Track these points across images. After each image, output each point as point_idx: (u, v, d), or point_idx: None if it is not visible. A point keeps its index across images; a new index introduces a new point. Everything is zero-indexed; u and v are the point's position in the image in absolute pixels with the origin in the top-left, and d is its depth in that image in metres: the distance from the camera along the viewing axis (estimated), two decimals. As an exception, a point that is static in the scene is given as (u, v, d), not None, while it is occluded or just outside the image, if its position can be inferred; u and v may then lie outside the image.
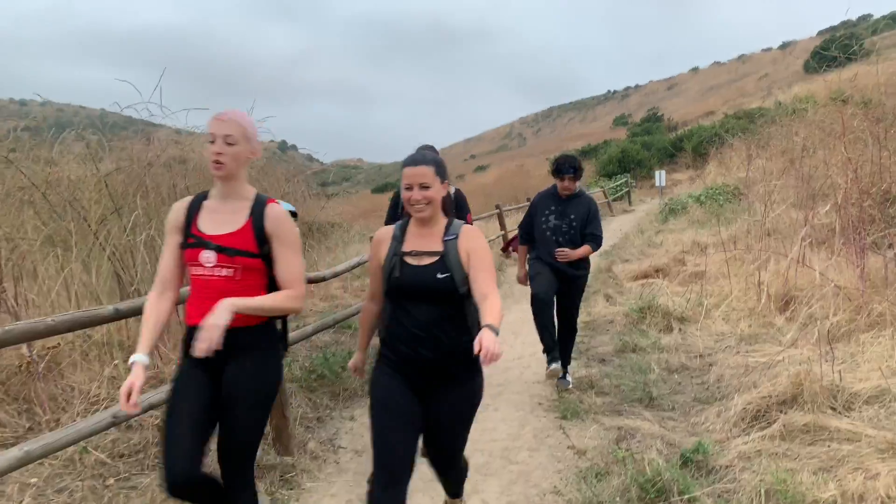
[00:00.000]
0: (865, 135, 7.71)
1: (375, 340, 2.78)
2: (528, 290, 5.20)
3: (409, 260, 2.56)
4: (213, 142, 2.43)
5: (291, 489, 3.72)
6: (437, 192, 2.56)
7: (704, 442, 3.78)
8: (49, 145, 6.34)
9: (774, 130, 14.89)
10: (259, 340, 2.51)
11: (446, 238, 2.57)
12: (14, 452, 2.60)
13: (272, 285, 2.51)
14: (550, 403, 5.02)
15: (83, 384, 4.34)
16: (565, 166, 5.03)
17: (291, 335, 4.89)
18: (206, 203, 2.54)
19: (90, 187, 5.89)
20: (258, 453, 3.86)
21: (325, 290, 8.96)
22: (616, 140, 50.37)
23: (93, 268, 5.37)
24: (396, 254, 2.58)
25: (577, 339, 5.63)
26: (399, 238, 2.64)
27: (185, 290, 2.64)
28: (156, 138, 7.31)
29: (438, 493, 3.33)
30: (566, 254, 4.93)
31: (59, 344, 4.53)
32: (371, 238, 2.96)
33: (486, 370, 2.64)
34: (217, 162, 2.43)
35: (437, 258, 2.53)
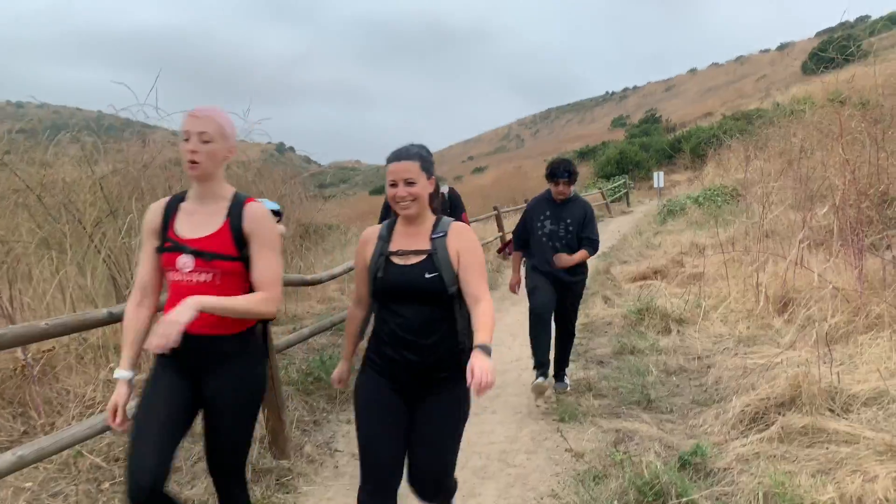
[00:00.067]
0: (863, 136, 7.70)
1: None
2: (526, 290, 5.15)
3: (396, 259, 2.46)
4: (187, 140, 2.31)
5: (288, 493, 3.70)
6: (424, 187, 2.45)
7: (702, 444, 3.76)
8: (44, 147, 6.33)
9: (772, 132, 14.89)
10: (241, 348, 2.41)
11: (434, 236, 2.47)
12: (7, 457, 2.58)
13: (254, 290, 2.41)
14: (548, 406, 5.00)
15: (78, 388, 4.32)
16: (559, 170, 4.94)
17: (288, 338, 4.89)
18: (182, 205, 2.43)
19: (85, 190, 5.87)
20: (253, 456, 3.85)
21: (322, 293, 8.95)
22: (614, 141, 50.42)
23: (88, 270, 5.35)
24: (382, 254, 2.48)
25: (576, 340, 5.61)
26: (386, 238, 2.54)
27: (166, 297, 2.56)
28: (151, 140, 7.30)
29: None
30: (563, 259, 4.87)
31: (53, 347, 4.51)
32: None
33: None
34: (192, 161, 2.31)
35: (424, 257, 2.43)
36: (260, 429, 4.19)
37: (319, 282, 5.47)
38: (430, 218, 2.53)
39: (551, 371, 5.10)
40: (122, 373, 2.35)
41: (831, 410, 4.04)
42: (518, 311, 7.46)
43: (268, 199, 2.58)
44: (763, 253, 7.48)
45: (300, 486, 3.80)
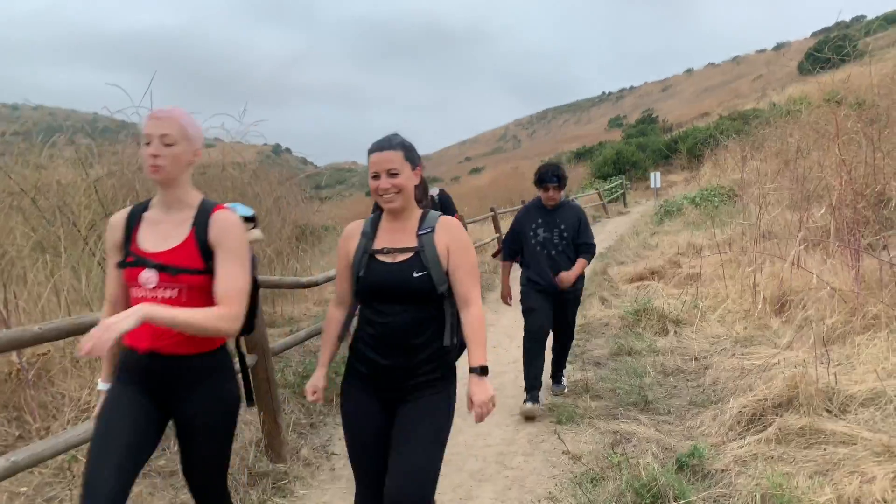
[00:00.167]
0: (859, 136, 7.72)
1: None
2: (522, 308, 5.05)
3: (381, 258, 2.32)
4: (148, 143, 2.14)
5: (284, 497, 3.69)
6: (408, 179, 2.31)
7: (700, 446, 3.75)
8: (39, 150, 6.31)
9: (769, 132, 14.91)
10: (212, 367, 2.26)
11: (421, 232, 2.33)
12: (0, 462, 2.55)
13: None
14: (545, 408, 4.99)
15: (73, 391, 4.29)
16: (548, 175, 4.81)
17: (284, 340, 4.87)
18: (146, 215, 2.25)
19: (80, 192, 5.85)
20: (249, 460, 3.83)
21: (318, 295, 8.92)
22: (611, 142, 50.48)
23: (83, 273, 5.33)
24: (366, 251, 2.35)
25: (573, 342, 5.58)
26: (369, 234, 2.39)
27: None
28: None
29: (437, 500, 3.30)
30: (566, 278, 4.77)
31: (48, 351, 4.49)
32: None
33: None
34: (154, 166, 2.14)
35: (411, 255, 2.29)
36: (256, 432, 4.18)
37: (316, 284, 5.45)
38: (417, 212, 2.40)
39: (549, 376, 5.06)
40: (103, 385, 2.32)
41: (829, 411, 4.04)
42: (515, 313, 7.43)
43: (240, 205, 2.42)
44: (760, 254, 7.48)
45: (297, 490, 3.78)
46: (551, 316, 4.93)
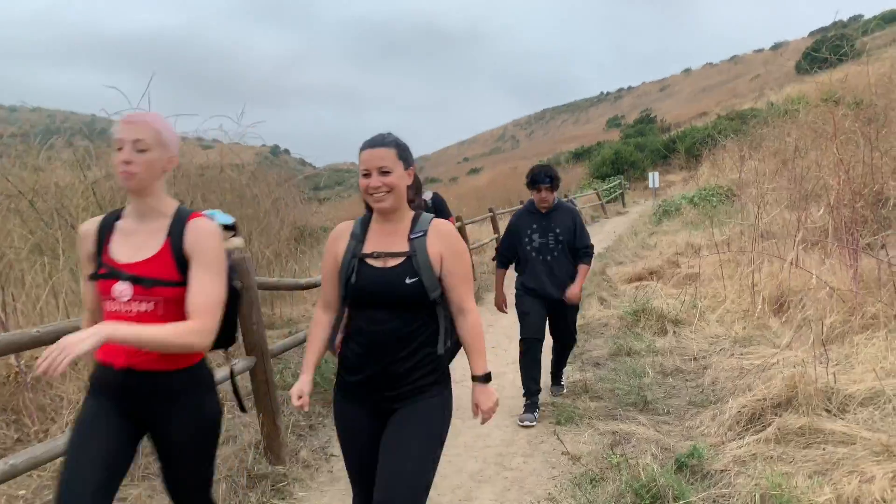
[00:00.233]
0: (857, 135, 7.73)
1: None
2: (517, 314, 5.01)
3: (371, 262, 2.22)
4: (120, 149, 2.04)
5: (283, 499, 3.68)
6: (400, 178, 2.20)
7: (699, 446, 3.75)
8: (37, 152, 6.31)
9: (767, 131, 14.93)
10: (191, 383, 2.16)
11: (413, 236, 2.23)
12: (-2, 466, 2.55)
13: None
14: (545, 408, 4.99)
15: (72, 394, 4.28)
16: (541, 176, 4.71)
17: (283, 342, 4.87)
18: (119, 224, 2.14)
19: (78, 194, 5.85)
20: (249, 462, 3.82)
21: (317, 296, 8.87)
22: (609, 142, 50.51)
23: (81, 276, 5.32)
24: (355, 255, 2.24)
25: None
26: (359, 237, 2.28)
27: None
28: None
29: (436, 501, 3.31)
30: (574, 295, 4.77)
31: (47, 353, 4.48)
32: None
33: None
34: (126, 172, 2.02)
35: (402, 259, 2.20)
36: (255, 434, 4.18)
37: (314, 285, 5.44)
38: (409, 214, 2.30)
39: (548, 382, 5.05)
40: None
41: (828, 411, 4.04)
42: (514, 314, 7.44)
43: (220, 212, 2.30)
44: (759, 253, 7.49)
45: (296, 492, 3.78)
46: (546, 320, 4.88)
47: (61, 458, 2.16)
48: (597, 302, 8.42)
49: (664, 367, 5.65)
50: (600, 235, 16.30)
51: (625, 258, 12.01)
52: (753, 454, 3.67)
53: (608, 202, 26.52)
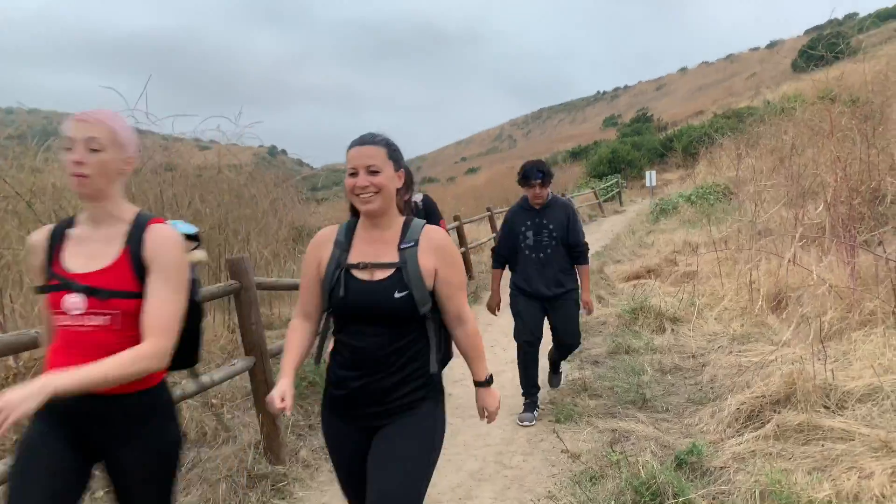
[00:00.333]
0: (853, 133, 7.73)
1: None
2: (512, 314, 4.99)
3: (358, 274, 2.06)
4: (71, 148, 1.86)
5: (283, 498, 3.69)
6: (389, 179, 2.05)
7: (698, 443, 3.76)
8: (34, 153, 6.30)
9: (763, 129, 14.94)
10: (150, 406, 1.96)
11: (404, 245, 2.08)
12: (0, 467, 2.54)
13: None
14: (544, 407, 5.00)
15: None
16: (533, 171, 4.61)
17: (283, 342, 4.85)
18: (71, 231, 1.95)
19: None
20: (248, 462, 3.82)
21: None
22: (606, 141, 50.52)
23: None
24: (340, 265, 2.08)
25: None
26: (344, 245, 2.12)
27: None
28: (142, 145, 7.27)
29: (436, 500, 3.31)
30: (590, 305, 4.90)
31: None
32: None
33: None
34: (77, 174, 1.84)
35: (392, 272, 2.05)
36: (255, 434, 4.17)
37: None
38: (398, 221, 2.15)
39: (546, 380, 5.04)
40: None
41: (826, 407, 4.05)
42: (511, 313, 7.45)
43: (181, 222, 2.12)
44: (756, 251, 7.50)
45: (296, 492, 3.78)
46: (542, 319, 4.83)
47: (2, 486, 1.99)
48: (595, 300, 8.41)
49: (663, 365, 5.66)
50: (598, 234, 16.31)
51: (622, 257, 12.02)
52: (752, 451, 3.68)
53: (605, 201, 26.53)
